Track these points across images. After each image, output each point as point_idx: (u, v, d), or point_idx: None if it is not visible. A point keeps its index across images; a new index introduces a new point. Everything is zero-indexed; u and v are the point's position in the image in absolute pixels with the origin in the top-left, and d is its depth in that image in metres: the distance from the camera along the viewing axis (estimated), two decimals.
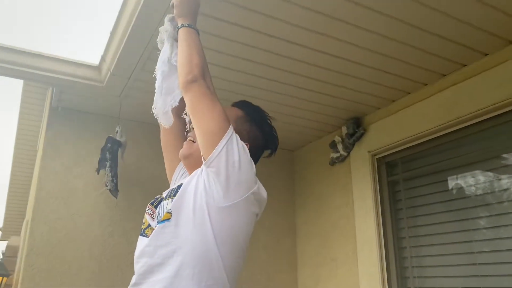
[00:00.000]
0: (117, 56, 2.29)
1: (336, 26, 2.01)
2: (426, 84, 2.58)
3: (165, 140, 1.52)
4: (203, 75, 1.22)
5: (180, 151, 1.35)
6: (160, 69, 1.39)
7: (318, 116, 3.06)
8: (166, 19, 1.45)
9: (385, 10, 1.91)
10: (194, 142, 1.32)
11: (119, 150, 2.58)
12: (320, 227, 3.29)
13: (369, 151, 2.91)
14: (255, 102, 1.45)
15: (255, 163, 1.27)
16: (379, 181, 2.85)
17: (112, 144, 2.57)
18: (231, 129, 1.17)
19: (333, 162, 3.20)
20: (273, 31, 2.06)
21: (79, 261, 2.72)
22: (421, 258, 2.59)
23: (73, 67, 2.56)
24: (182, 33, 1.33)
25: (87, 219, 2.81)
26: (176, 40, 1.39)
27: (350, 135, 3.01)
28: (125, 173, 2.83)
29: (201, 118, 1.18)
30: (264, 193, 1.24)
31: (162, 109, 1.38)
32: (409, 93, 2.68)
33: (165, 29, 1.41)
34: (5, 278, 4.03)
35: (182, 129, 1.47)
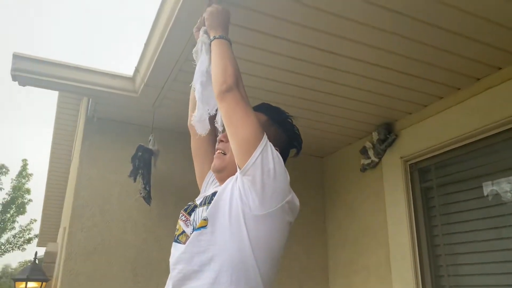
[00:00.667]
0: (151, 67, 2.35)
1: (368, 32, 2.01)
2: (459, 89, 2.53)
3: (196, 147, 1.55)
4: (237, 85, 1.23)
5: (212, 164, 1.36)
6: (198, 79, 1.42)
7: (348, 122, 3.05)
8: (202, 31, 1.48)
9: (418, 15, 1.89)
10: (225, 154, 1.33)
11: (152, 158, 2.64)
12: (351, 234, 3.26)
13: (401, 157, 2.87)
14: (285, 108, 1.44)
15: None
16: (412, 187, 2.81)
17: (143, 152, 2.63)
18: (265, 138, 1.17)
19: (364, 169, 3.17)
20: (305, 39, 2.08)
21: (114, 267, 2.79)
22: (457, 266, 2.52)
23: (108, 78, 2.64)
24: (214, 45, 1.36)
25: (122, 226, 2.88)
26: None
27: (382, 141, 2.98)
28: (158, 181, 2.89)
29: (236, 127, 1.18)
30: (297, 201, 1.25)
31: (199, 117, 1.41)
32: (442, 97, 2.64)
33: (203, 40, 1.45)
34: (44, 283, 4.18)
35: (213, 137, 1.50)
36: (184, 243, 1.20)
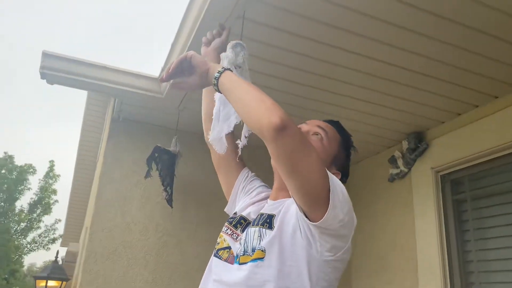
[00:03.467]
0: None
1: (403, 36, 1.93)
2: (496, 97, 2.41)
3: (217, 164, 1.44)
4: (289, 119, 0.94)
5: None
6: (218, 95, 1.29)
7: (377, 129, 2.95)
8: (228, 46, 1.41)
9: (457, 18, 1.80)
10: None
11: (176, 161, 2.60)
12: (377, 247, 3.14)
13: (432, 168, 2.75)
14: (313, 114, 1.38)
15: None
16: (443, 199, 2.68)
17: (161, 153, 2.60)
18: (331, 181, 0.99)
19: (392, 179, 3.06)
20: (335, 41, 2.01)
21: (134, 269, 2.76)
22: (491, 285, 2.38)
23: (134, 78, 2.63)
24: (228, 78, 1.08)
25: (143, 228, 2.85)
26: (237, 66, 1.32)
27: (412, 150, 2.87)
28: (181, 184, 2.85)
29: (298, 174, 0.96)
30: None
31: (218, 135, 1.32)
32: (477, 106, 2.52)
33: (226, 55, 1.36)
34: (64, 282, 4.20)
35: (233, 146, 1.38)
36: (226, 260, 1.12)
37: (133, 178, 2.93)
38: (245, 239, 1.11)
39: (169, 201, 2.62)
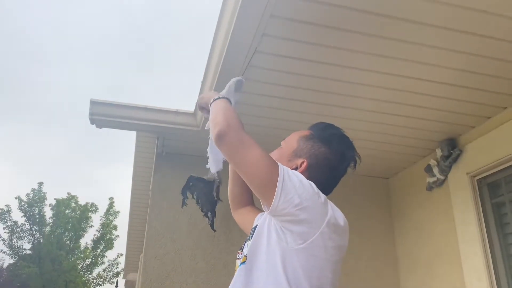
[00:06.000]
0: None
1: (428, 52, 2.05)
2: None
3: (238, 217, 1.55)
4: (229, 128, 1.16)
5: None
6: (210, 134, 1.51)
7: (410, 140, 3.00)
8: (229, 83, 1.54)
9: (481, 31, 1.91)
10: None
11: (214, 188, 2.78)
12: (422, 257, 3.12)
13: (467, 173, 2.75)
14: (347, 132, 1.38)
15: (332, 182, 1.25)
16: (482, 204, 2.66)
17: (196, 182, 2.78)
18: (280, 170, 1.10)
19: (430, 187, 3.07)
20: (364, 65, 2.17)
21: None
22: None
23: (173, 115, 2.87)
24: (212, 105, 1.32)
25: (191, 253, 3.03)
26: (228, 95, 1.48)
27: (446, 157, 2.88)
28: (223, 208, 3.02)
29: (244, 170, 1.13)
30: (341, 220, 1.15)
31: (214, 170, 1.52)
32: (506, 108, 2.52)
33: (223, 93, 1.50)
34: None
35: (250, 206, 1.52)
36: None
37: (179, 207, 3.14)
38: (242, 254, 1.22)
39: (212, 225, 2.79)
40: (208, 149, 1.54)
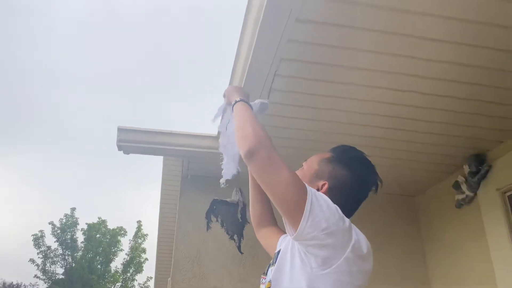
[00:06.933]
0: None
1: (455, 68, 2.06)
2: None
3: (262, 238, 1.56)
4: (261, 145, 1.13)
5: None
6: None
7: (436, 157, 2.96)
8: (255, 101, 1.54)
9: (506, 46, 1.91)
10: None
11: (239, 210, 2.79)
12: (455, 277, 3.03)
13: (497, 189, 2.68)
14: (369, 150, 1.41)
15: (353, 205, 1.23)
16: None
17: (219, 206, 2.79)
18: (309, 194, 1.08)
19: (459, 205, 3.00)
20: (391, 84, 2.19)
21: None
22: None
23: (197, 139, 2.93)
24: (235, 108, 1.33)
25: (218, 275, 3.04)
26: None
27: (473, 173, 2.82)
28: (249, 230, 3.02)
29: (272, 191, 1.11)
30: (364, 245, 1.13)
31: (228, 176, 1.54)
32: None
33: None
34: None
35: (273, 227, 1.53)
36: None
37: (205, 230, 3.16)
38: (266, 280, 1.21)
39: (239, 248, 2.78)
40: (222, 150, 1.55)
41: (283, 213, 1.10)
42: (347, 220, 1.12)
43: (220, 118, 1.54)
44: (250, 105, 1.35)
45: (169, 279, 3.48)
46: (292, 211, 1.07)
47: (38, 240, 18.56)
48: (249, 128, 1.18)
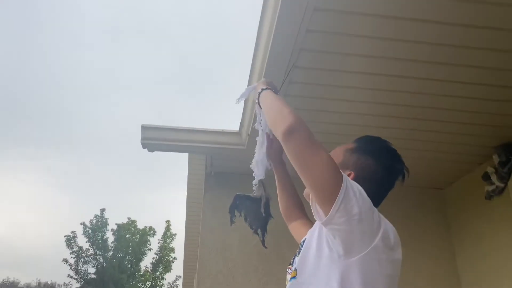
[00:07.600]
0: (252, 120, 2.59)
1: (482, 54, 2.02)
2: None
3: (293, 230, 1.61)
4: (300, 123, 1.12)
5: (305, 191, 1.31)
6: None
7: (464, 147, 2.88)
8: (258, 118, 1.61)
9: None
10: None
11: (262, 204, 2.79)
12: (485, 270, 2.94)
13: None
14: (395, 142, 1.37)
15: (380, 195, 1.22)
16: None
17: (242, 201, 2.78)
18: (344, 179, 1.06)
19: (489, 196, 2.91)
20: (412, 72, 2.16)
21: None
22: None
23: (219, 135, 2.95)
24: (262, 97, 1.36)
25: (244, 271, 3.05)
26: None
27: (503, 163, 2.73)
28: (273, 224, 3.02)
29: (307, 172, 1.08)
30: (392, 233, 1.12)
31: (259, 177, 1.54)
32: None
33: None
34: None
35: (294, 206, 1.58)
36: None
37: (229, 226, 3.17)
38: (292, 269, 1.22)
39: (263, 242, 2.78)
40: (256, 150, 1.57)
41: (316, 194, 1.08)
42: (375, 209, 1.11)
43: (244, 100, 1.58)
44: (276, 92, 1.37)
45: (196, 275, 3.52)
46: (325, 193, 1.05)
47: (70, 240, 19.07)
48: (286, 109, 1.17)
